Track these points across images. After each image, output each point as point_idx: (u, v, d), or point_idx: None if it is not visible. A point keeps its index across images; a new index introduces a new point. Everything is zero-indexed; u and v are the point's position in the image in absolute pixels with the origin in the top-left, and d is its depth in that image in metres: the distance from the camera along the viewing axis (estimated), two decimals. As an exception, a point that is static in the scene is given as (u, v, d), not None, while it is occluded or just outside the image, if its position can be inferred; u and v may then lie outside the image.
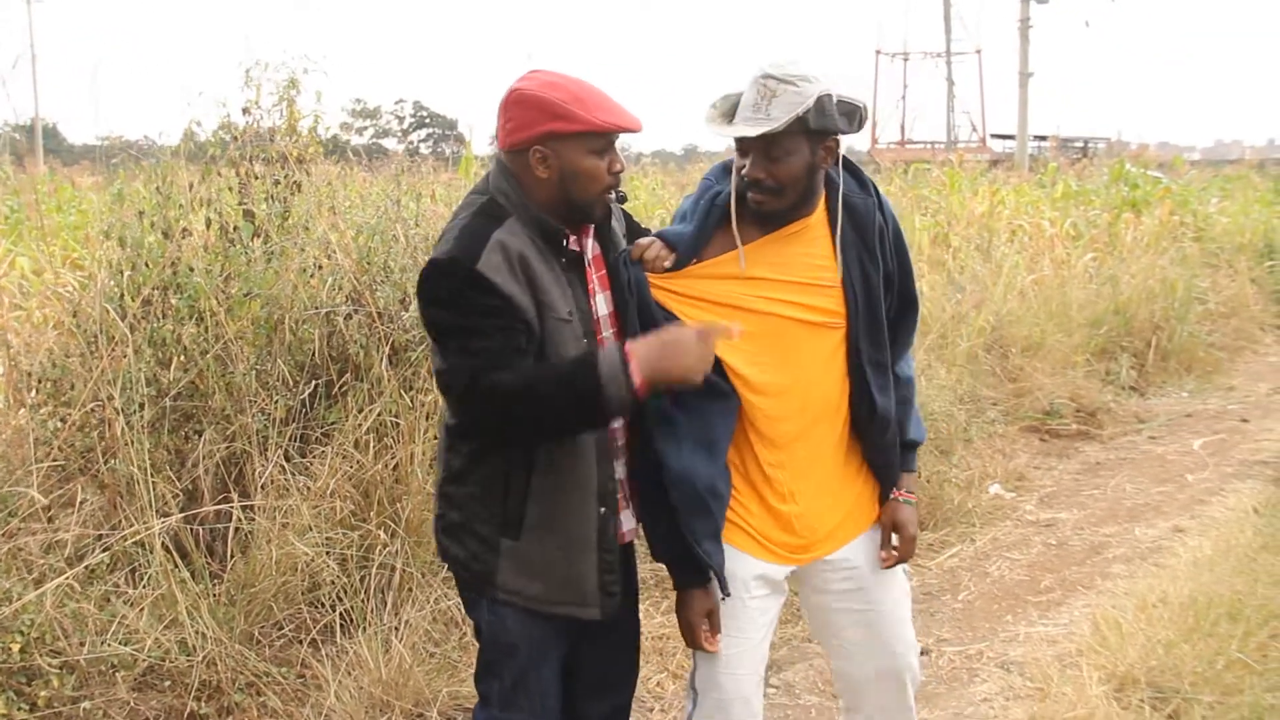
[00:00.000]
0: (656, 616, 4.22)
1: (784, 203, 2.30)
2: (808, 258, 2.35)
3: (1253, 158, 29.33)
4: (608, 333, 2.34)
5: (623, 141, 2.33)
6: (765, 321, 2.32)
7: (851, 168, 2.42)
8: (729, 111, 2.31)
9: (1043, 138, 30.68)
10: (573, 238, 2.30)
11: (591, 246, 2.37)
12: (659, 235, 2.39)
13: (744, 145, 2.28)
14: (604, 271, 2.37)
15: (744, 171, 2.28)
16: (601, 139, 2.23)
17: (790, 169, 2.25)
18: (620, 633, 2.53)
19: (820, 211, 2.37)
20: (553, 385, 2.14)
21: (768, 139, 2.22)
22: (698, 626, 2.36)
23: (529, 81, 2.24)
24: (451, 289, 2.16)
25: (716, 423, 2.33)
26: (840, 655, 2.61)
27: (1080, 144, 31.13)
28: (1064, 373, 7.69)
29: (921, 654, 3.96)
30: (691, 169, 15.64)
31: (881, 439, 2.45)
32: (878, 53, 50.50)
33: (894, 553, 2.50)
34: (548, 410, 2.15)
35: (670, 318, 2.29)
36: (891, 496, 2.51)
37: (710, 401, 2.31)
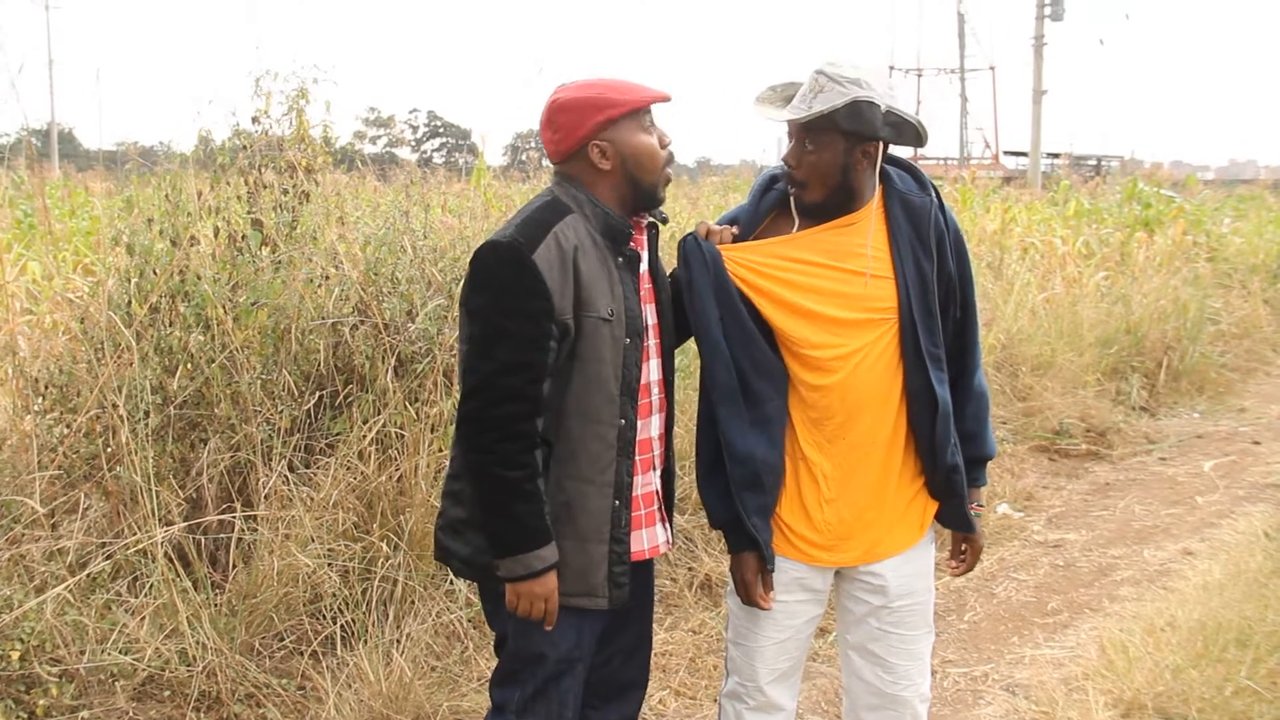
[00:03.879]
0: (660, 633, 4.19)
1: (813, 196, 2.36)
2: (862, 247, 2.39)
3: (1267, 178, 29.29)
4: (651, 341, 2.40)
5: None
6: (815, 307, 2.38)
7: (913, 170, 2.48)
8: (789, 98, 2.38)
9: (1056, 155, 30.61)
10: (636, 237, 2.38)
11: (645, 258, 2.44)
12: (718, 221, 2.52)
13: (789, 132, 2.37)
14: (650, 285, 2.44)
15: (782, 157, 2.39)
16: (646, 114, 2.35)
17: (819, 163, 2.32)
18: (635, 636, 2.58)
19: (876, 205, 2.41)
20: (505, 496, 2.23)
21: (806, 130, 2.31)
22: (753, 585, 2.46)
23: (563, 92, 2.34)
24: (501, 278, 2.22)
25: (770, 401, 2.41)
26: (848, 671, 2.64)
27: (1094, 162, 31.07)
28: (1074, 392, 7.65)
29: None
30: (704, 182, 15.64)
31: (946, 434, 2.44)
32: (891, 68, 50.54)
33: (963, 561, 2.64)
34: (488, 488, 2.24)
35: (744, 299, 2.38)
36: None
37: (766, 381, 2.40)
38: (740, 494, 2.42)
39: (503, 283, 2.22)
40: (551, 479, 2.30)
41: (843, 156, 2.31)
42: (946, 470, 2.47)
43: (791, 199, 2.42)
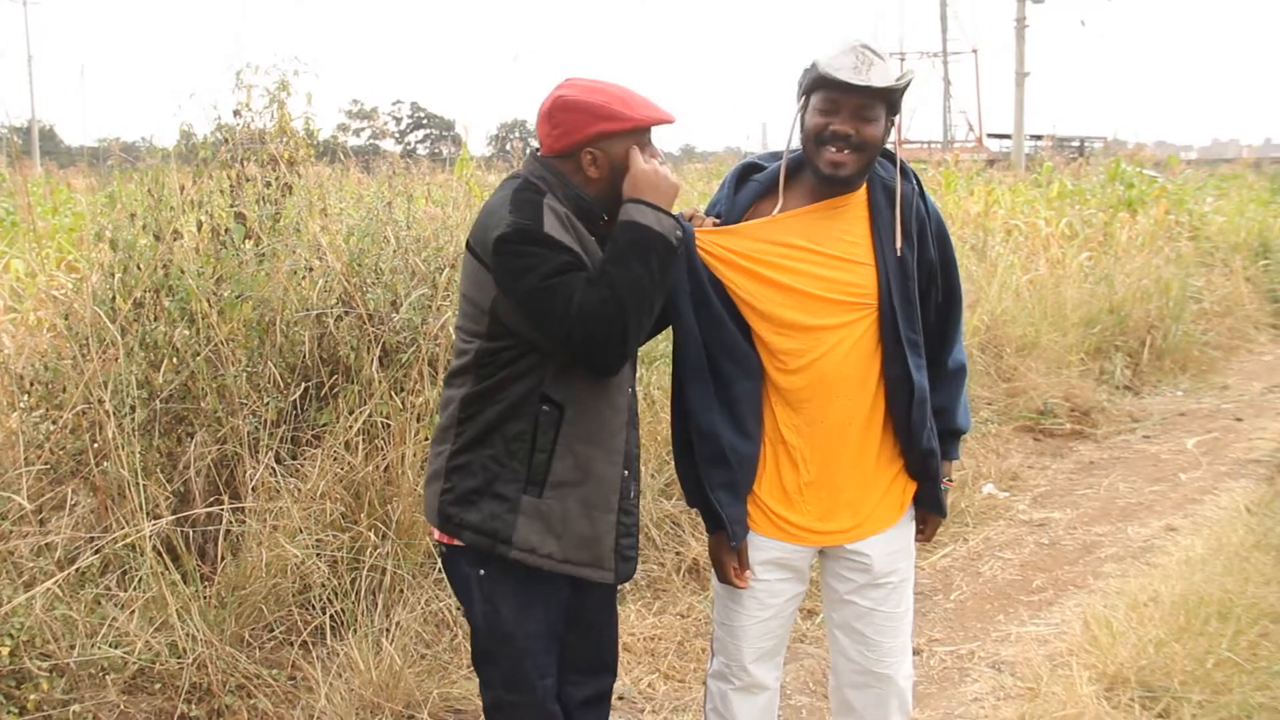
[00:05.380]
0: (649, 617, 4.22)
1: (861, 163, 2.35)
2: (845, 234, 2.42)
3: (1249, 157, 29.38)
4: None
5: None
6: (794, 285, 2.40)
7: (893, 158, 2.50)
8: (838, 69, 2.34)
9: (1039, 137, 30.64)
10: (607, 219, 2.37)
11: None
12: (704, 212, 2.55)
13: (837, 103, 2.31)
14: None
15: (832, 128, 2.32)
16: (645, 134, 2.34)
17: (875, 131, 2.35)
18: (607, 610, 2.60)
19: (861, 192, 2.44)
20: (629, 255, 2.21)
21: (865, 100, 2.30)
22: (728, 564, 2.52)
23: (570, 89, 2.32)
24: (527, 257, 2.20)
25: (738, 383, 2.44)
26: (834, 650, 2.68)
27: (1076, 143, 31.07)
28: (1058, 372, 7.70)
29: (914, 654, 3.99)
30: (688, 168, 15.63)
31: (921, 419, 2.47)
32: (875, 52, 50.38)
33: (922, 532, 2.66)
34: (641, 272, 2.21)
35: (714, 279, 2.42)
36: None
37: (733, 364, 2.43)
38: (705, 469, 2.47)
39: (536, 258, 2.19)
40: (561, 447, 2.29)
41: (886, 128, 2.37)
42: (922, 455, 2.51)
43: (780, 177, 2.44)
